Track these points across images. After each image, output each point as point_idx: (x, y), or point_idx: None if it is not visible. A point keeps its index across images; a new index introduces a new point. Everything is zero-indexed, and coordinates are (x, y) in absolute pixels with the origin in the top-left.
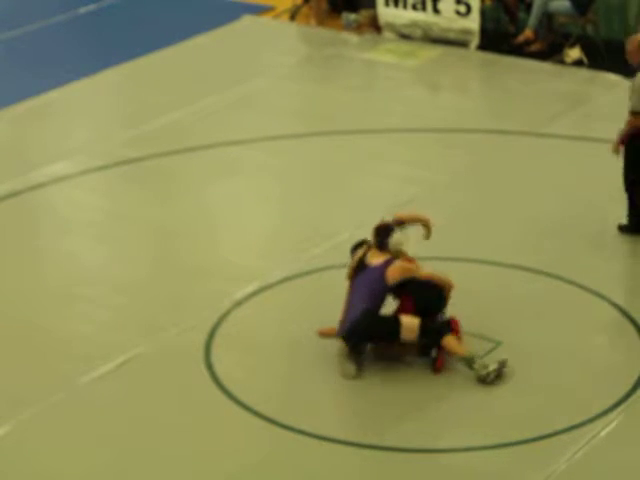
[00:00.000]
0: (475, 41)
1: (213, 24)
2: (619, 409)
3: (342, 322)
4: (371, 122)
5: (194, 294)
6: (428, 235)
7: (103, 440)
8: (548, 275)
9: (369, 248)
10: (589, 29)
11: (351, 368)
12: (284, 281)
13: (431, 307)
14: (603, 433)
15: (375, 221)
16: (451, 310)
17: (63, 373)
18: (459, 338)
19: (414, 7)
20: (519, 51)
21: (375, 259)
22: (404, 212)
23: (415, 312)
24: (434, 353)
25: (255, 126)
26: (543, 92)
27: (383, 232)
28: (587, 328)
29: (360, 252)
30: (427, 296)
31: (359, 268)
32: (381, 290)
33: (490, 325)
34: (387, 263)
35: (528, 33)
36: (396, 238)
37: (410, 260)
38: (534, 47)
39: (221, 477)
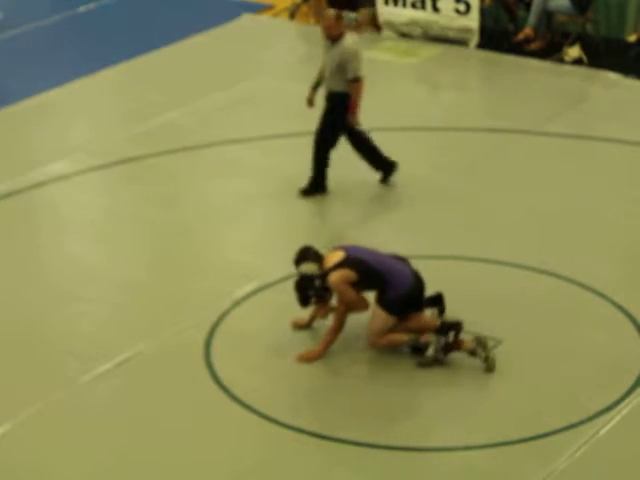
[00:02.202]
0: (474, 40)
1: (212, 23)
2: (618, 408)
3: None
4: (370, 121)
5: (194, 293)
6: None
7: (103, 439)
8: (548, 273)
9: (321, 265)
10: (588, 28)
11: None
12: (284, 280)
13: None
14: (603, 432)
15: (375, 220)
16: (452, 309)
17: (63, 372)
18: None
19: (413, 5)
20: (519, 50)
21: (334, 256)
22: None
23: None
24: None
25: (255, 125)
26: (543, 90)
27: (304, 253)
28: (587, 326)
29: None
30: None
31: (346, 263)
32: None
33: (490, 323)
34: (340, 246)
35: (528, 31)
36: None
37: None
38: (534, 46)
39: (221, 475)
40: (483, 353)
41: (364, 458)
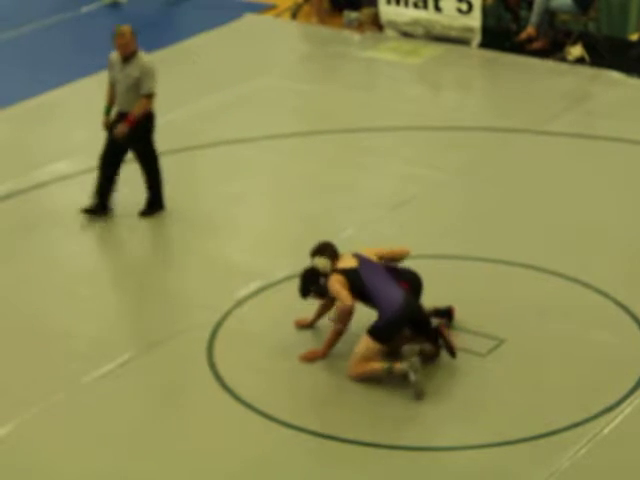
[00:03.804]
0: (477, 39)
1: (215, 23)
2: (621, 407)
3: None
4: (373, 120)
5: (196, 293)
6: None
7: (105, 439)
8: (550, 272)
9: (333, 264)
10: (591, 26)
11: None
12: (286, 279)
13: (419, 288)
14: (606, 431)
15: (377, 219)
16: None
17: (65, 372)
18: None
19: (416, 5)
20: (521, 49)
21: (347, 261)
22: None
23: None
24: (440, 342)
25: (257, 124)
26: (545, 90)
27: (322, 247)
28: (590, 326)
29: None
30: (416, 280)
31: (350, 275)
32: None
33: (493, 323)
34: (359, 255)
35: (530, 31)
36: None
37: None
38: (536, 45)
39: (223, 475)
40: (414, 377)
41: (366, 458)
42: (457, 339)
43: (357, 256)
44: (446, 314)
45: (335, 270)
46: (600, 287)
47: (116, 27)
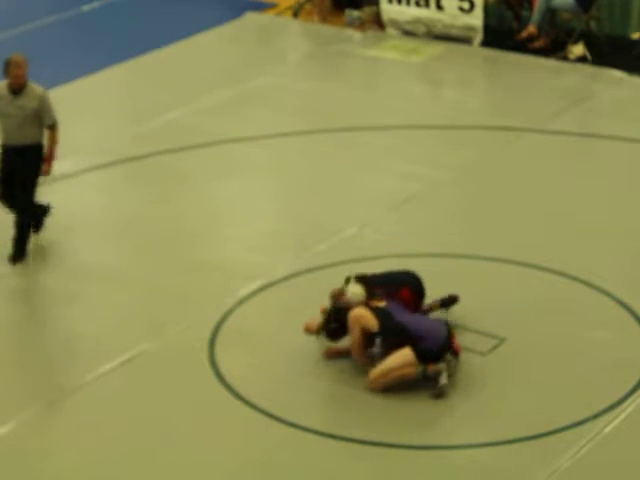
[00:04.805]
0: (478, 38)
1: (216, 21)
2: (622, 406)
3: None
4: (374, 119)
5: (198, 291)
6: None
7: (106, 438)
8: (552, 271)
9: (366, 297)
10: (592, 25)
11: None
12: (287, 278)
13: (422, 290)
14: (607, 430)
15: (378, 218)
16: (455, 306)
17: (67, 371)
18: None
19: (417, 4)
20: (522, 47)
21: (378, 301)
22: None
23: (414, 298)
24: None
25: (259, 123)
26: (546, 88)
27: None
28: (591, 324)
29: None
30: (416, 281)
31: (379, 313)
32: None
33: (494, 321)
34: (390, 301)
35: (531, 29)
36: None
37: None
38: (537, 43)
39: (225, 474)
40: (445, 379)
41: (367, 456)
42: (458, 338)
43: (387, 299)
44: (451, 302)
45: (365, 304)
46: (601, 286)
47: (11, 57)
